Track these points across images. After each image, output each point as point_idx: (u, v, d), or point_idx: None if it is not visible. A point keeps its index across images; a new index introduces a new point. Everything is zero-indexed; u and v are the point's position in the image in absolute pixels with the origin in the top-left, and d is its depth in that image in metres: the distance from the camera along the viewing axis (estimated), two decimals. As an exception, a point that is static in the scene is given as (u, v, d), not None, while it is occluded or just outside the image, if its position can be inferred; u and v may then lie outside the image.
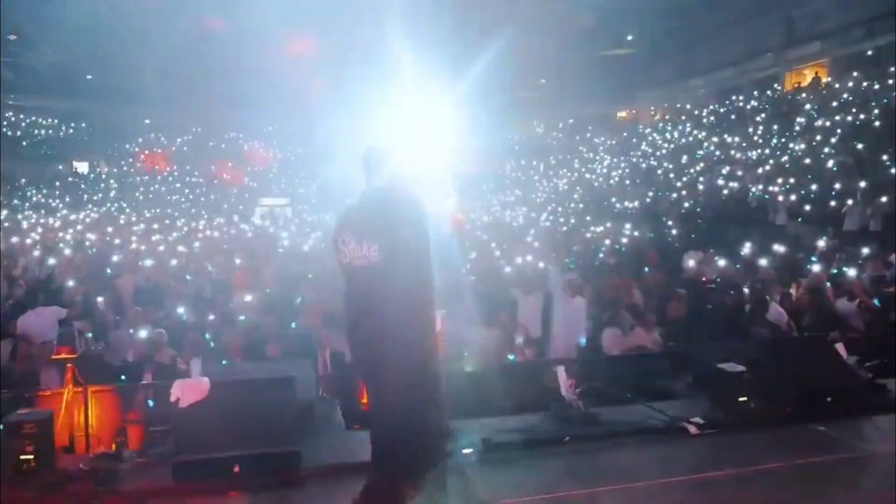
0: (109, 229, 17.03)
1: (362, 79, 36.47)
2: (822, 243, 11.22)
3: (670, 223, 19.05)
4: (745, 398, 4.59)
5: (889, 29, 24.15)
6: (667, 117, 34.44)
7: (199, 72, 36.54)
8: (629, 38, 33.79)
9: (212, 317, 7.90)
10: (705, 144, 25.82)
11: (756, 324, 6.69)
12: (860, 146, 17.74)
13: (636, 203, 23.32)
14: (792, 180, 18.29)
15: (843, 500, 3.54)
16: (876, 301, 7.38)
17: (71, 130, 40.92)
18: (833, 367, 4.97)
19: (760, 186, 18.99)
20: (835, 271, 8.88)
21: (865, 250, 10.88)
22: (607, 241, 15.87)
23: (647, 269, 11.68)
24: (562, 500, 3.43)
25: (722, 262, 9.86)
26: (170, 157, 40.49)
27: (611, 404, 4.63)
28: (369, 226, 2.93)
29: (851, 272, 8.29)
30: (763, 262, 9.50)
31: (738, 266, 10.75)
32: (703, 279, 7.89)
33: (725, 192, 20.14)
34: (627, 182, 26.51)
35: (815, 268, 8.75)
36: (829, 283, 8.25)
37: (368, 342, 2.97)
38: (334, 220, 3.29)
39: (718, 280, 7.73)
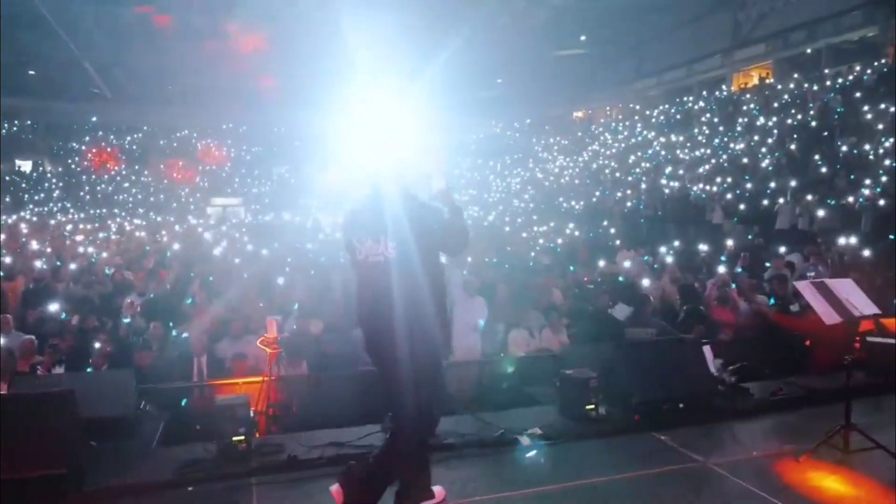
0: (25, 230, 16.33)
1: (319, 77, 36.25)
2: (730, 242, 11.20)
3: (608, 222, 19.10)
4: (591, 406, 4.39)
5: (828, 32, 24.56)
6: (619, 117, 34.60)
7: (150, 67, 35.73)
8: (582, 38, 33.81)
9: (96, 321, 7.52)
10: (654, 144, 25.93)
11: (640, 324, 6.52)
12: (793, 147, 17.88)
13: (582, 202, 23.36)
14: (729, 179, 18.39)
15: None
16: (771, 301, 7.30)
17: (14, 128, 39.52)
18: (693, 371, 4.80)
19: (700, 186, 19.08)
20: (739, 270, 8.80)
21: (782, 249, 10.91)
22: (541, 241, 15.77)
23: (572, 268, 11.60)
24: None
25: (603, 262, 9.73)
26: (118, 155, 39.38)
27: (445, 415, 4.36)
28: (384, 225, 3.09)
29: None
30: (669, 259, 9.39)
31: (655, 266, 10.71)
32: (585, 279, 7.71)
33: (667, 191, 20.22)
34: (577, 181, 26.52)
35: (721, 268, 8.66)
36: (733, 283, 8.19)
37: (382, 331, 3.10)
38: (343, 219, 3.37)
39: (599, 279, 7.55)
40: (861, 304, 3.64)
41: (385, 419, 4.06)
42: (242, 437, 3.80)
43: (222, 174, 39.76)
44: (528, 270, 10.89)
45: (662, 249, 11.84)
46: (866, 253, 9.75)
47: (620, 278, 8.99)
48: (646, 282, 8.59)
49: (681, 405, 4.42)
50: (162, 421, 4.43)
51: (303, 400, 5.25)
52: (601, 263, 10.28)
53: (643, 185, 21.63)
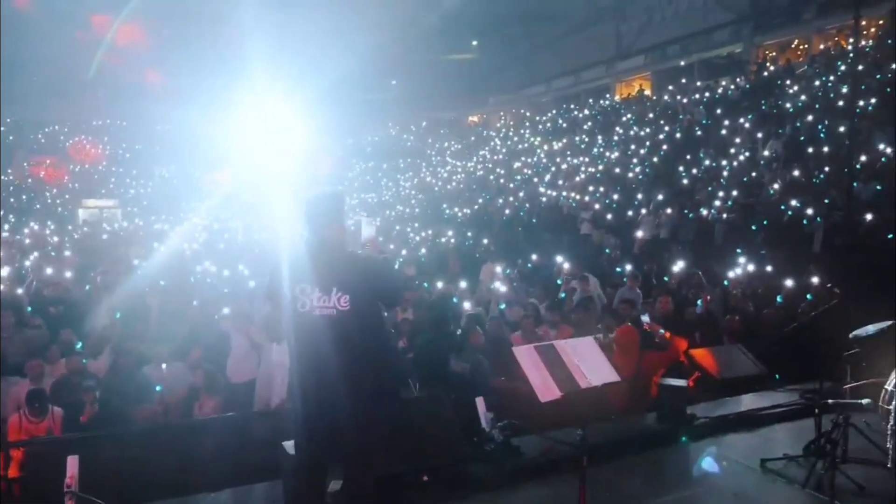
0: None
1: (206, 75, 34.33)
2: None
3: (487, 231, 18.79)
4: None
5: (700, 47, 25.51)
6: (511, 123, 34.78)
7: (14, 56, 32.62)
8: (474, 43, 33.77)
9: None
10: (538, 151, 26.03)
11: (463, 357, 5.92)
12: (656, 159, 18.22)
13: (466, 209, 23.02)
14: (601, 189, 18.50)
15: None
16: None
17: None
18: (449, 434, 4.20)
19: (574, 194, 19.10)
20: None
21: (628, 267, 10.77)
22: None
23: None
24: None
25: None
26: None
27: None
28: (337, 277, 2.97)
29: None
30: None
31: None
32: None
33: (544, 199, 20.16)
34: (462, 187, 26.24)
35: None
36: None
37: (325, 384, 2.96)
38: (273, 267, 3.16)
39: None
40: (591, 372, 3.12)
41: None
42: None
43: (95, 174, 36.95)
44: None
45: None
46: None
47: (455, 299, 8.43)
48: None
49: (424, 477, 3.81)
50: None
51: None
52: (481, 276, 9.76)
53: (521, 194, 21.54)
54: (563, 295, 8.51)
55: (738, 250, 11.33)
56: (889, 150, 12.74)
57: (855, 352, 3.89)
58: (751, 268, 9.23)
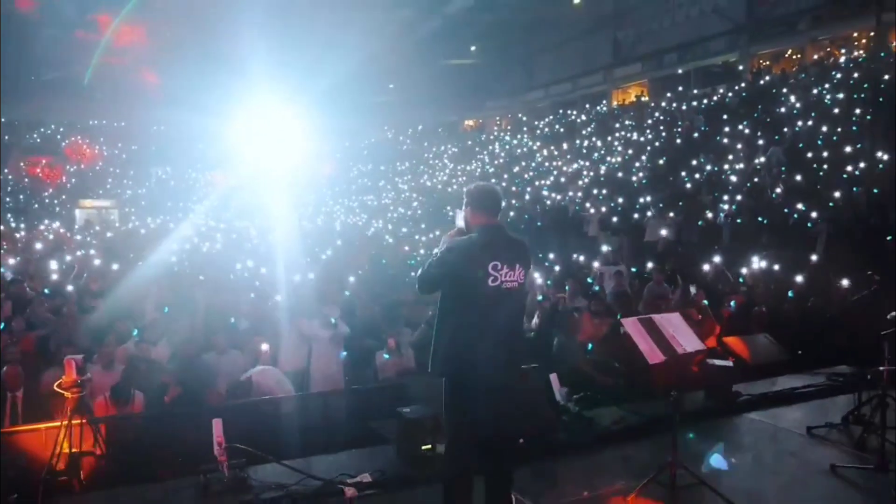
0: None
1: (206, 78, 34.47)
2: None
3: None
4: (428, 446, 4.16)
5: (697, 55, 26.23)
6: (508, 127, 35.33)
7: (10, 56, 32.58)
8: (473, 48, 34.28)
9: None
10: (537, 155, 26.59)
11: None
12: (662, 161, 18.82)
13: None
14: (605, 192, 19.07)
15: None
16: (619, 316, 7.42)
17: None
18: (537, 403, 4.69)
19: (579, 197, 19.65)
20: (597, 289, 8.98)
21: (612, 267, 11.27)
22: (423, 251, 15.62)
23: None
24: None
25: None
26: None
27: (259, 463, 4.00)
28: (515, 254, 3.41)
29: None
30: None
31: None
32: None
33: (549, 202, 20.70)
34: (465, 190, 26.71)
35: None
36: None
37: (500, 346, 3.34)
38: (457, 247, 3.41)
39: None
40: (686, 340, 3.64)
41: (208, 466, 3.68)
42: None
43: (90, 174, 36.97)
44: (401, 285, 10.63)
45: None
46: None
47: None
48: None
49: (521, 440, 4.28)
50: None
51: (122, 447, 4.67)
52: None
53: (527, 196, 22.05)
54: (597, 288, 9.02)
55: (750, 250, 11.93)
56: (885, 157, 13.43)
57: (892, 331, 4.41)
58: (763, 265, 9.81)
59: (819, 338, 6.81)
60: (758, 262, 9.88)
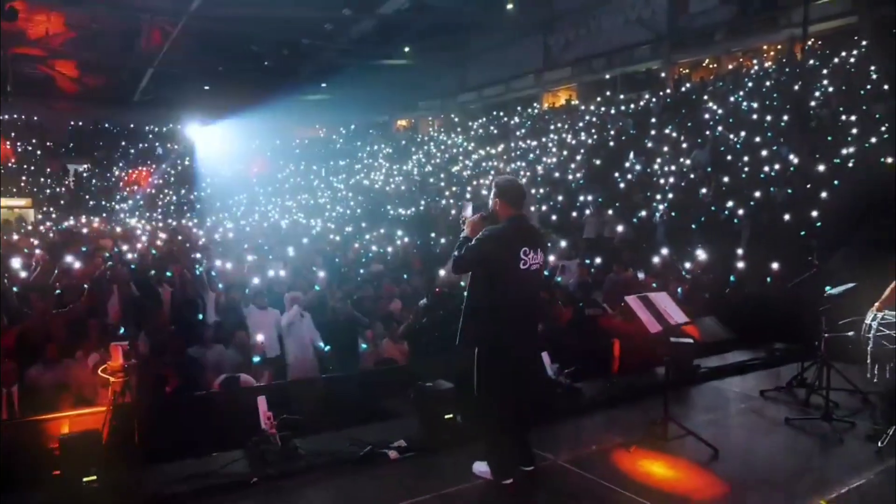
0: None
1: (128, 73, 33.08)
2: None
3: (435, 232, 19.80)
4: (450, 416, 4.66)
5: (623, 62, 27.73)
6: (441, 128, 36.00)
7: None
8: (406, 49, 34.68)
9: None
10: (472, 156, 27.35)
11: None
12: (598, 161, 19.92)
13: (411, 210, 23.96)
14: (542, 191, 19.99)
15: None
16: (581, 305, 8.15)
17: None
18: (537, 376, 5.28)
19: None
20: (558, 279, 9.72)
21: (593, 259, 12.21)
22: (374, 248, 15.98)
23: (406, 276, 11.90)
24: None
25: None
26: None
27: (316, 433, 4.40)
28: (537, 240, 4.00)
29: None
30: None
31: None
32: (437, 289, 8.09)
33: (490, 202, 21.37)
34: (403, 188, 27.16)
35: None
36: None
37: (527, 319, 4.00)
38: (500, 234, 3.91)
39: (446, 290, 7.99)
40: (675, 313, 4.32)
41: (252, 441, 4.01)
42: (94, 478, 3.52)
43: (1, 171, 34.92)
44: (359, 280, 10.98)
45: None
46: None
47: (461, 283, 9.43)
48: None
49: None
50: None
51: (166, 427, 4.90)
52: (441, 272, 10.73)
53: (467, 195, 22.71)
54: (559, 279, 9.73)
55: (685, 245, 13.04)
56: (796, 160, 14.92)
57: (828, 307, 5.27)
58: (703, 257, 10.84)
59: (757, 318, 7.76)
60: (699, 255, 10.89)
